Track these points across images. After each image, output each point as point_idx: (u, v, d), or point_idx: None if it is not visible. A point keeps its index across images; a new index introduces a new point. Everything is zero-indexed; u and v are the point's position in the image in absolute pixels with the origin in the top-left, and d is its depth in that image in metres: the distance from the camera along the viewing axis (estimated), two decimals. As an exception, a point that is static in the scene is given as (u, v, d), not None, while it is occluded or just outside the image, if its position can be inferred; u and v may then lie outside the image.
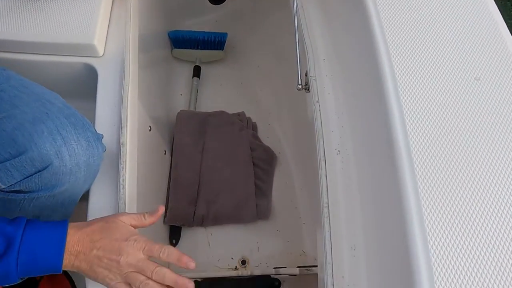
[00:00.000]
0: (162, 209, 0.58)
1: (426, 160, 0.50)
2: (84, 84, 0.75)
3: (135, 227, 0.55)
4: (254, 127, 1.10)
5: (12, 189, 0.57)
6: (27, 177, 0.55)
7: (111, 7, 0.79)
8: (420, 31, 0.61)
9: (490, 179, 0.49)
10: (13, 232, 0.48)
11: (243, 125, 1.08)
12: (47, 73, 0.75)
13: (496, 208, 0.47)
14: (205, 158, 1.01)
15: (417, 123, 0.53)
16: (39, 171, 0.55)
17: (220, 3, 1.13)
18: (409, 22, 0.62)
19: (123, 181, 0.59)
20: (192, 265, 0.52)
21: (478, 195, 0.49)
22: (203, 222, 0.94)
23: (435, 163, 0.51)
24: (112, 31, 0.77)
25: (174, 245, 0.92)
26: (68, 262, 0.49)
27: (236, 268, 0.89)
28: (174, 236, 0.93)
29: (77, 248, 0.49)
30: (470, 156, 0.51)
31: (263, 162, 1.03)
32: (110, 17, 0.78)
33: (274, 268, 0.82)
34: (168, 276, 0.50)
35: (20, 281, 0.51)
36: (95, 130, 0.62)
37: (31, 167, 0.55)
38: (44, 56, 0.74)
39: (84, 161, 0.58)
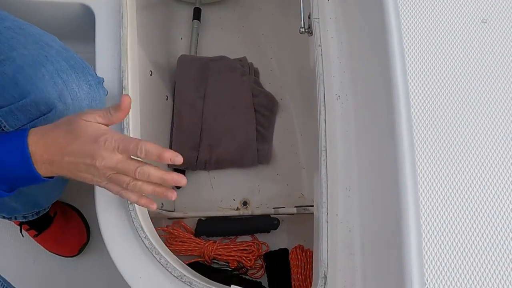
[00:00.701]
0: (127, 99, 0.47)
1: (424, 107, 0.51)
2: (81, 27, 0.74)
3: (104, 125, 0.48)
4: (256, 73, 1.08)
5: None
6: (33, 120, 0.57)
7: None
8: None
9: (488, 132, 0.50)
10: None
11: (244, 70, 1.07)
12: (42, 14, 0.73)
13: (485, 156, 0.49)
14: (206, 104, 1.01)
15: (419, 68, 0.52)
16: (44, 114, 0.56)
17: None
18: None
19: (126, 124, 0.60)
20: (179, 159, 0.45)
21: (473, 143, 0.50)
22: (206, 166, 0.97)
23: (434, 111, 0.52)
24: None
25: (178, 188, 0.97)
26: (46, 170, 0.46)
27: (237, 209, 0.94)
28: (178, 179, 0.97)
29: (47, 156, 0.45)
30: (470, 104, 0.51)
31: (264, 108, 1.03)
32: None
33: (274, 208, 0.87)
34: (153, 174, 0.45)
35: (8, 194, 0.49)
36: (96, 74, 0.62)
37: (36, 111, 0.56)
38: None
39: (87, 105, 0.59)
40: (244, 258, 0.85)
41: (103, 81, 0.63)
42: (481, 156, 0.50)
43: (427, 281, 0.45)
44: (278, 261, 0.86)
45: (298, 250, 0.85)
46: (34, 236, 0.85)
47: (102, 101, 0.63)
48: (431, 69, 0.53)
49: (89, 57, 0.68)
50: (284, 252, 0.87)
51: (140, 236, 0.54)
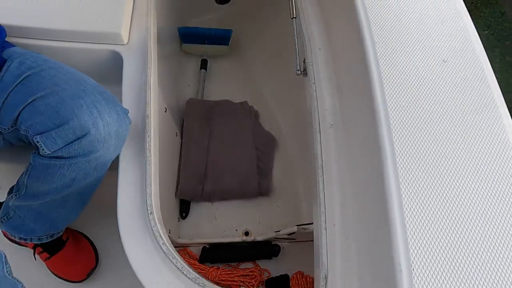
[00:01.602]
0: None
1: (402, 128, 0.61)
2: (109, 69, 0.86)
3: None
4: (256, 115, 1.20)
5: (55, 155, 0.67)
6: (68, 143, 0.65)
7: (133, 0, 0.90)
8: (399, 28, 0.72)
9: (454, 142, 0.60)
10: None
11: (246, 112, 1.19)
12: (77, 58, 0.85)
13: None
14: (212, 142, 1.11)
15: (395, 96, 0.63)
16: (79, 138, 0.65)
17: (226, 3, 1.24)
18: (391, 21, 0.73)
19: (149, 145, 0.69)
20: None
21: (446, 159, 0.59)
22: (210, 197, 1.04)
23: (410, 131, 0.62)
24: (135, 22, 0.87)
25: (184, 217, 1.03)
26: None
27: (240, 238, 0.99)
28: (184, 210, 1.03)
29: None
30: (439, 120, 0.61)
31: (264, 146, 1.13)
32: (132, 10, 0.89)
33: (275, 231, 0.92)
34: None
35: None
36: (122, 106, 0.72)
37: (72, 135, 0.65)
38: (75, 44, 0.84)
39: (115, 131, 0.69)
40: (246, 284, 0.89)
41: (128, 112, 0.73)
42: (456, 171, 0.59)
43: (413, 270, 0.51)
44: (279, 287, 0.89)
45: (298, 276, 0.89)
46: (46, 259, 0.89)
47: (127, 128, 0.72)
48: (405, 95, 0.64)
49: (116, 95, 0.78)
50: (285, 278, 0.90)
51: (158, 243, 0.59)
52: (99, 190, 0.80)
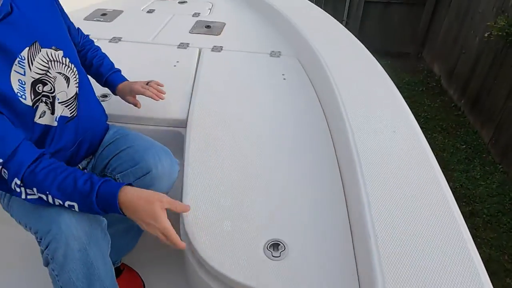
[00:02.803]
0: (188, 209, 0.86)
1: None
2: (172, 144, 1.13)
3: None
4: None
5: None
6: (137, 179, 1.01)
7: (192, 91, 1.29)
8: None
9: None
10: (96, 182, 0.79)
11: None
12: (148, 134, 1.21)
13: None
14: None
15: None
16: (144, 175, 1.00)
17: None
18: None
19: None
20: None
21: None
22: None
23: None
24: (193, 109, 1.27)
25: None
26: (125, 211, 0.79)
27: None
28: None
29: (127, 208, 0.78)
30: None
31: None
32: (190, 100, 1.30)
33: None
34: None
35: (103, 213, 0.81)
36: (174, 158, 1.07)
37: (140, 173, 1.01)
38: (148, 126, 1.24)
39: (168, 172, 1.03)
40: None
41: (178, 162, 1.08)
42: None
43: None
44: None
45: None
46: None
47: (176, 172, 1.05)
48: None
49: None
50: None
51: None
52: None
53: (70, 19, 1.08)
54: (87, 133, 1.02)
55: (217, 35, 1.82)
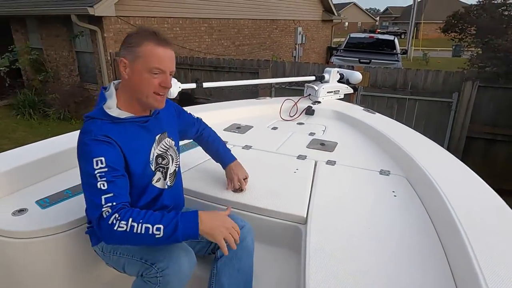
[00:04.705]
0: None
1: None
2: (288, 238, 1.39)
3: None
4: None
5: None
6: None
7: (311, 188, 1.53)
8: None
9: None
10: (175, 217, 1.12)
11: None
12: (266, 226, 1.48)
13: None
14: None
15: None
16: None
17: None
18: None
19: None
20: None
21: None
22: None
23: None
24: (311, 206, 1.49)
25: None
26: (204, 224, 1.14)
27: None
28: None
29: (205, 220, 1.15)
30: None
31: None
32: (309, 199, 1.53)
33: None
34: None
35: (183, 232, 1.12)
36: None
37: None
38: (268, 218, 1.48)
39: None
40: None
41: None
42: None
43: None
44: None
45: None
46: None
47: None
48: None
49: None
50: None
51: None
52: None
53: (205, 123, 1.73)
54: (177, 201, 1.44)
55: (330, 151, 2.11)
